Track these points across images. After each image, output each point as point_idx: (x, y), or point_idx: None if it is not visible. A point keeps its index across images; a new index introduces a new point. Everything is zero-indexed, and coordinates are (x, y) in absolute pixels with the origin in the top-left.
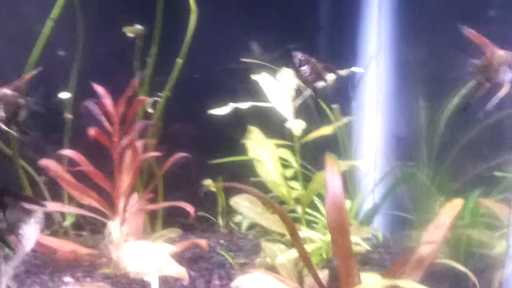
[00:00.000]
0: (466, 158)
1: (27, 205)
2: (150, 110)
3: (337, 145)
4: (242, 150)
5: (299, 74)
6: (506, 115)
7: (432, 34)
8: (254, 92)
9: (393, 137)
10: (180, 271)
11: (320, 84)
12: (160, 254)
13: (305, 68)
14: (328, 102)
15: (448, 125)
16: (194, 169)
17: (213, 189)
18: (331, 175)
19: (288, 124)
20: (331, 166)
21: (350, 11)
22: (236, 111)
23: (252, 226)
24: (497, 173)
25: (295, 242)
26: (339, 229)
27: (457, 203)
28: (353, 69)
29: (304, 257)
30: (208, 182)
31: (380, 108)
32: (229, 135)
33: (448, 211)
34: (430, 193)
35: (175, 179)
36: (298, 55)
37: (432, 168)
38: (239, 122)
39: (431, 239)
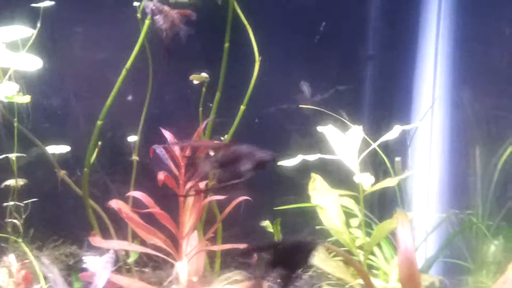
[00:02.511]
0: None
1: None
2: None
3: (393, 193)
4: (305, 196)
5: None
6: None
7: (490, 79)
8: (316, 137)
9: (448, 184)
10: None
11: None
12: None
13: (157, 18)
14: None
15: (503, 171)
16: (253, 210)
17: (271, 230)
18: (402, 232)
19: (356, 179)
20: (403, 223)
21: (405, 65)
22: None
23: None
24: None
25: None
26: (410, 283)
27: None
28: (413, 125)
29: None
30: (266, 223)
31: (435, 154)
32: (292, 179)
33: None
34: (487, 239)
35: (234, 218)
36: (150, 5)
37: (488, 215)
38: (303, 167)
39: None
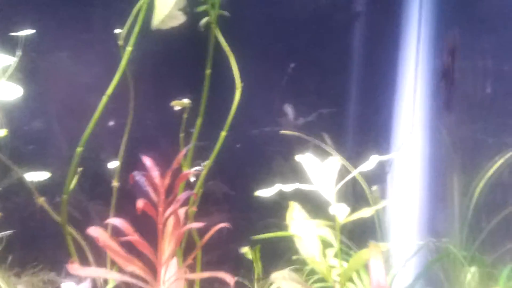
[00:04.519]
0: (500, 233)
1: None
2: (192, 179)
3: (373, 220)
4: (283, 224)
5: None
6: None
7: (467, 106)
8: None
9: (427, 211)
10: None
11: None
12: None
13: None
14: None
15: (480, 199)
16: (232, 236)
17: (250, 256)
18: (375, 265)
19: (332, 210)
20: (375, 256)
21: (386, 87)
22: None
23: None
24: None
25: None
26: None
27: None
28: (390, 156)
29: None
30: (245, 250)
31: (414, 181)
32: (274, 203)
33: None
34: (464, 268)
35: (213, 244)
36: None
37: (465, 243)
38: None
39: None
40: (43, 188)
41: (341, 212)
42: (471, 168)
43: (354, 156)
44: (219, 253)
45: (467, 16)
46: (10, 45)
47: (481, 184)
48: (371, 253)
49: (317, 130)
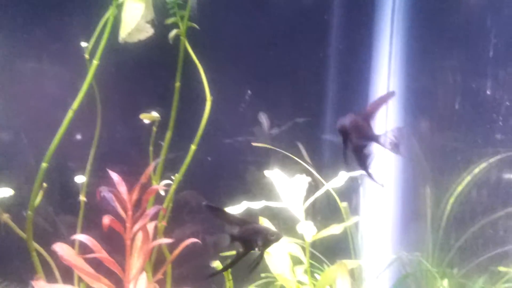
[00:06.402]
0: (470, 248)
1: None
2: (162, 193)
3: (345, 235)
4: None
5: None
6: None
7: (438, 118)
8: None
9: (400, 224)
10: None
11: None
12: None
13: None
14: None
15: (452, 213)
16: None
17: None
18: (341, 285)
19: (299, 228)
20: (342, 275)
21: (360, 97)
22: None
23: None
24: (501, 268)
25: None
26: None
27: None
28: (359, 171)
29: None
30: (216, 264)
31: (387, 194)
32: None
33: None
34: (436, 281)
35: (185, 258)
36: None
37: (437, 257)
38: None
39: None
40: (8, 203)
41: (308, 231)
42: (443, 180)
43: (329, 164)
44: (190, 267)
45: (437, 31)
46: None
47: (452, 199)
48: (338, 272)
49: (292, 139)
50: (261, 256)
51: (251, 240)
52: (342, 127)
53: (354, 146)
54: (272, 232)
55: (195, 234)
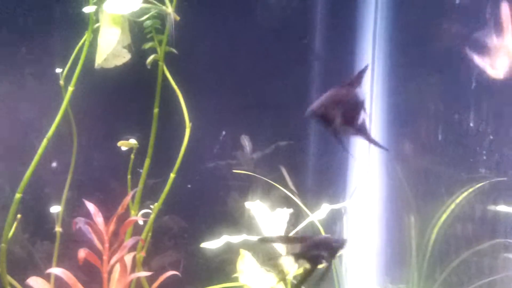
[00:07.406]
0: (456, 279)
1: None
2: (140, 222)
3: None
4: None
5: None
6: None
7: (421, 147)
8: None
9: (385, 254)
10: None
11: None
12: None
13: None
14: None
15: (437, 243)
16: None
17: None
18: None
19: (280, 262)
20: None
21: None
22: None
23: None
24: None
25: None
26: None
27: None
28: (341, 205)
29: None
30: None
31: (371, 224)
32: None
33: None
34: None
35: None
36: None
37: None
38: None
39: None
40: None
41: (289, 266)
42: (428, 208)
43: (314, 188)
44: None
45: (417, 56)
46: None
47: (437, 228)
48: None
49: (274, 163)
50: (329, 267)
51: (315, 254)
52: (319, 108)
53: (343, 119)
54: (335, 240)
55: (176, 263)
